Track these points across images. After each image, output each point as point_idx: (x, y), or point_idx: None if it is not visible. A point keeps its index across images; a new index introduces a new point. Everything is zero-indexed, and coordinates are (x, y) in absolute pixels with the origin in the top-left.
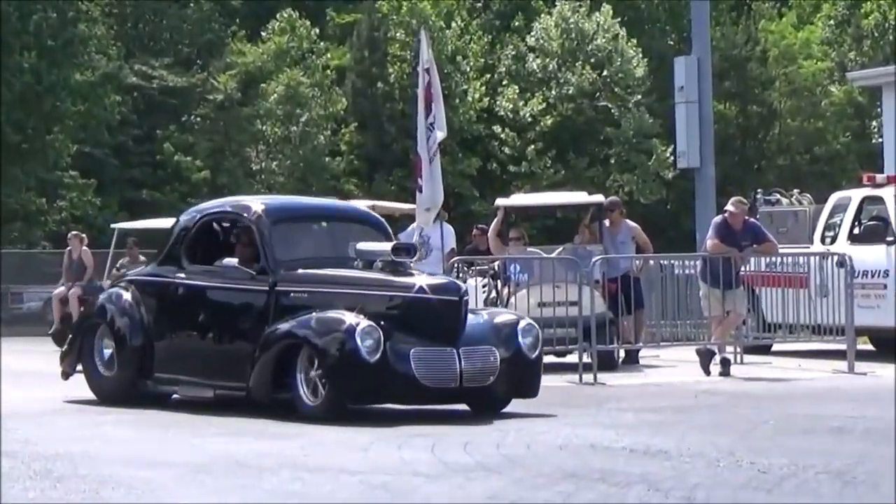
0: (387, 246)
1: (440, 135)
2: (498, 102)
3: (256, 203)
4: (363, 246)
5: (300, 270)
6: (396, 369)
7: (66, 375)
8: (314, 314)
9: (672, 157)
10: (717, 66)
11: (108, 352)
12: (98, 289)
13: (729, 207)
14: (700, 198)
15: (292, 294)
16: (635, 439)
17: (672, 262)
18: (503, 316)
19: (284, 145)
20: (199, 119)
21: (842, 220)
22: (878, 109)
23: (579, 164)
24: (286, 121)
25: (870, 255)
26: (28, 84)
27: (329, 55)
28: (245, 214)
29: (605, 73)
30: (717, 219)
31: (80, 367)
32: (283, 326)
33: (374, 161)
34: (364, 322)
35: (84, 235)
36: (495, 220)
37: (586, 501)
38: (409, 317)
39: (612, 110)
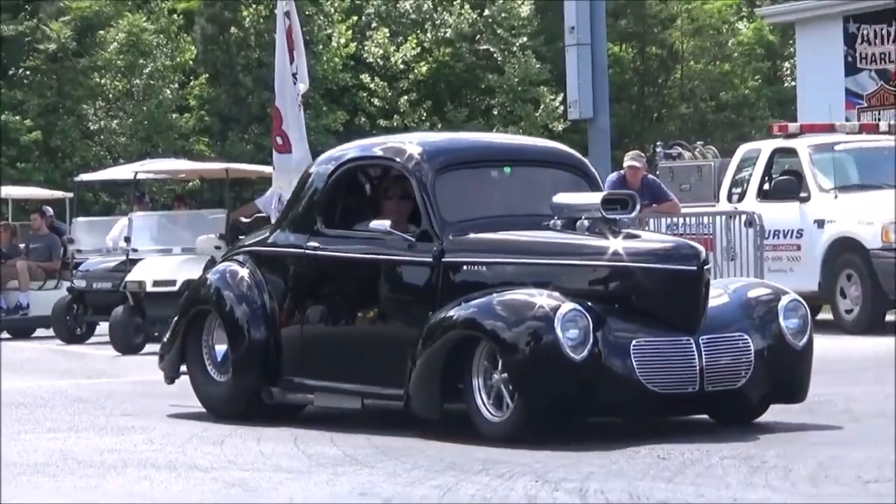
0: (594, 197)
1: (302, 87)
2: (366, 48)
3: (412, 144)
4: (562, 199)
5: (475, 235)
6: (612, 369)
7: (169, 380)
8: (495, 295)
9: (562, 108)
10: (611, 4)
11: (221, 349)
12: None
13: (627, 162)
14: (593, 152)
15: (466, 267)
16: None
17: None
18: (757, 288)
19: (126, 101)
20: (28, 73)
21: (750, 175)
22: (791, 49)
23: (458, 117)
24: (128, 73)
25: (781, 214)
26: None
27: None
28: (398, 160)
29: (486, 12)
30: (613, 176)
31: (185, 368)
32: (454, 312)
33: (228, 117)
34: (566, 305)
35: None
36: None
37: (467, 497)
38: (629, 295)
39: (495, 55)
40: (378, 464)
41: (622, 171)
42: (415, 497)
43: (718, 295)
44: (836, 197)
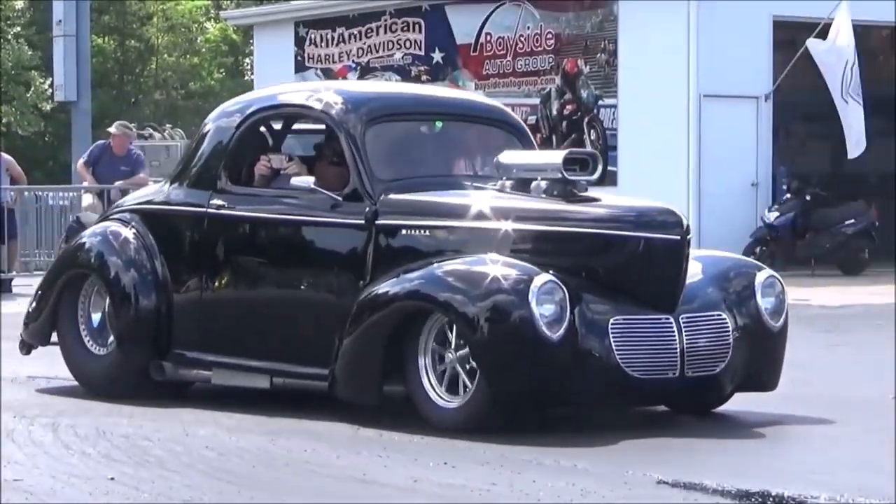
0: (554, 156)
1: None
2: None
3: (330, 93)
4: (510, 157)
5: (412, 196)
6: (590, 350)
7: (27, 348)
8: (451, 264)
9: (50, 90)
10: (95, 1)
11: (98, 317)
12: None
13: (114, 130)
14: (76, 131)
15: (404, 231)
16: None
17: (47, 193)
18: (731, 262)
19: None
20: None
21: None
22: (251, 48)
23: None
24: None
25: None
26: None
27: None
28: (318, 108)
29: None
30: (102, 141)
31: (55, 338)
32: (398, 283)
33: None
34: (541, 276)
35: None
36: None
37: None
38: (599, 267)
39: None
40: None
41: (108, 140)
42: None
43: (690, 266)
44: None
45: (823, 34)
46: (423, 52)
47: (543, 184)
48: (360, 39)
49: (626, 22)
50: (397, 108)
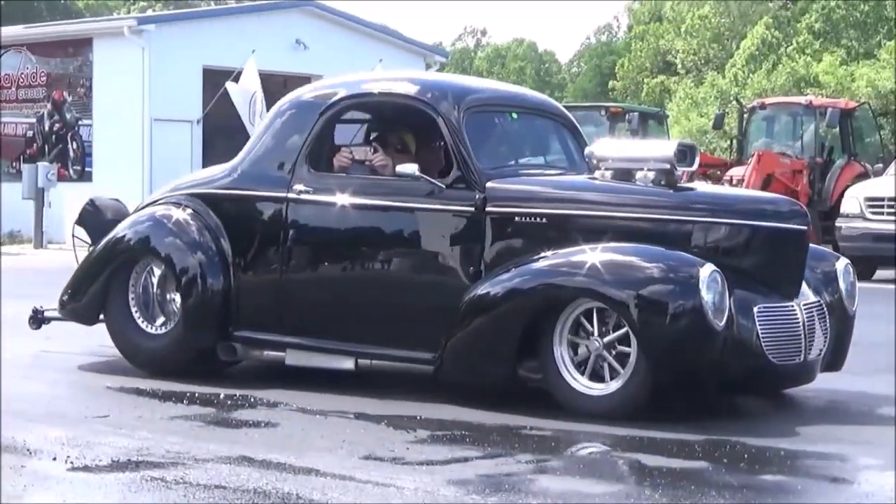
0: (664, 148)
1: None
2: None
3: (411, 84)
4: (606, 148)
5: (524, 185)
6: (742, 338)
7: (35, 323)
8: (598, 252)
9: None
10: None
11: (148, 298)
12: None
13: None
14: None
15: (518, 219)
16: None
17: None
18: (814, 251)
19: None
20: None
21: None
22: None
23: None
24: None
25: None
26: None
27: None
28: (418, 98)
29: None
30: None
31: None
32: (537, 271)
33: None
34: (707, 266)
35: None
36: None
37: None
38: (732, 256)
39: None
40: None
41: None
42: None
43: None
44: None
45: (237, 78)
46: None
47: (651, 174)
48: None
49: (98, 65)
50: (484, 99)
